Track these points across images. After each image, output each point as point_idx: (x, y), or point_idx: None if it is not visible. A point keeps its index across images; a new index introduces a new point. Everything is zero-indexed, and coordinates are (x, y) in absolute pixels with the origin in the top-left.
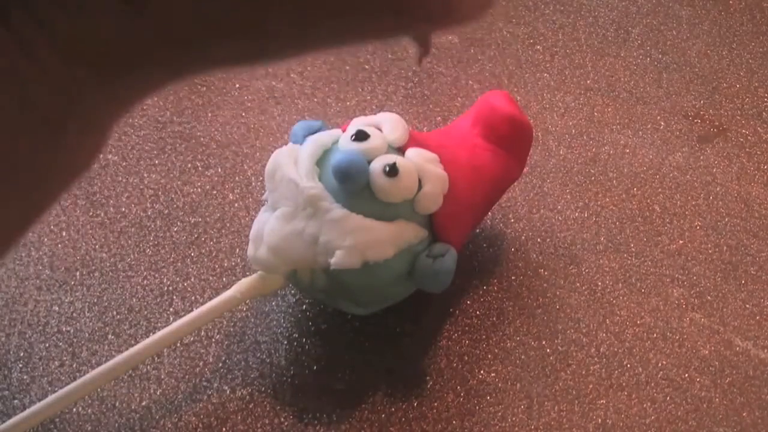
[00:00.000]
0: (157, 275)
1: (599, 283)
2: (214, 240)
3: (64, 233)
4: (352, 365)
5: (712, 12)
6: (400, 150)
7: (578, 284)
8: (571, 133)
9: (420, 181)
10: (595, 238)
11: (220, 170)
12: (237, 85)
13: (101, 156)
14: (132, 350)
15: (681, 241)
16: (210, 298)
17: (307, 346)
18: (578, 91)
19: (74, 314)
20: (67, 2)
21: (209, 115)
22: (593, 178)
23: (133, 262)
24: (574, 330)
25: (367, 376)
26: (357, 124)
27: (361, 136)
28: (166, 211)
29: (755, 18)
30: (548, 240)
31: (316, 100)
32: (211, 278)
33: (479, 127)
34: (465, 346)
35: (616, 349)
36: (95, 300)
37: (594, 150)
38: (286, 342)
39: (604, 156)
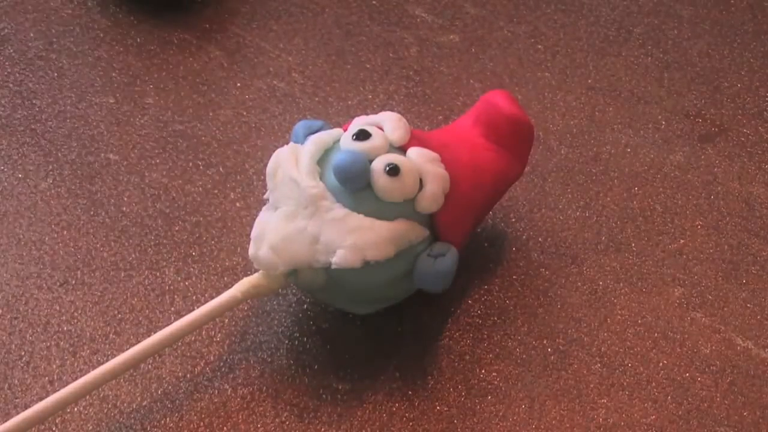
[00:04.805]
0: (158, 274)
1: (600, 283)
2: (216, 239)
3: (65, 232)
4: (353, 365)
5: (713, 11)
6: (402, 149)
7: (579, 283)
8: (573, 132)
9: (421, 180)
10: (596, 238)
11: (221, 169)
12: (238, 84)
13: (102, 155)
14: (133, 350)
15: (682, 241)
16: (211, 298)
17: (308, 346)
18: (579, 91)
19: (75, 313)
20: None
21: (210, 114)
22: (594, 177)
23: (134, 261)
24: (576, 329)
25: (368, 375)
26: (358, 123)
27: (362, 135)
28: (167, 210)
29: (756, 17)
30: (549, 239)
31: (317, 99)
32: (212, 277)
33: (480, 126)
34: (466, 345)
35: (617, 349)
36: (96, 299)
37: (595, 149)
38: (287, 341)
39: (606, 155)
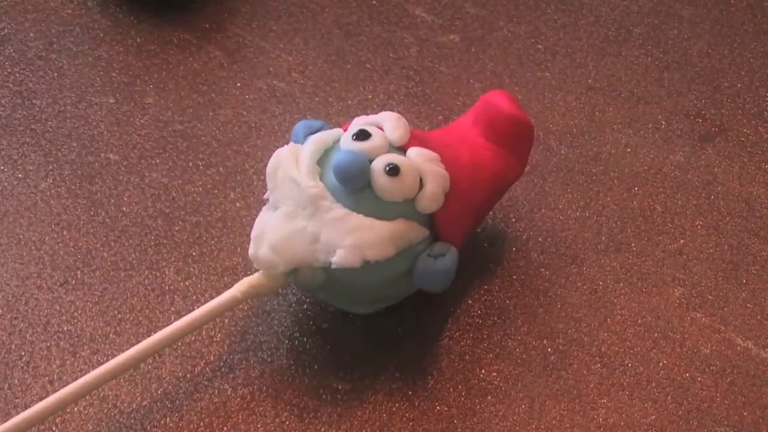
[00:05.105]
0: (158, 274)
1: (600, 283)
2: (216, 239)
3: (65, 232)
4: (353, 365)
5: (713, 11)
6: (402, 149)
7: (579, 283)
8: (573, 132)
9: (421, 180)
10: (596, 238)
11: (221, 169)
12: (238, 84)
13: (102, 155)
14: (133, 349)
15: (682, 241)
16: (211, 298)
17: (308, 346)
18: (579, 91)
19: (75, 313)
20: None
21: (210, 114)
22: (594, 177)
23: (134, 261)
24: (576, 329)
25: (368, 375)
26: (358, 123)
27: (362, 135)
28: (167, 210)
29: (756, 17)
30: (549, 239)
31: (317, 99)
32: (212, 277)
33: (480, 126)
34: (466, 345)
35: (617, 349)
36: (96, 299)
37: (595, 149)
38: (287, 341)
39: (606, 155)
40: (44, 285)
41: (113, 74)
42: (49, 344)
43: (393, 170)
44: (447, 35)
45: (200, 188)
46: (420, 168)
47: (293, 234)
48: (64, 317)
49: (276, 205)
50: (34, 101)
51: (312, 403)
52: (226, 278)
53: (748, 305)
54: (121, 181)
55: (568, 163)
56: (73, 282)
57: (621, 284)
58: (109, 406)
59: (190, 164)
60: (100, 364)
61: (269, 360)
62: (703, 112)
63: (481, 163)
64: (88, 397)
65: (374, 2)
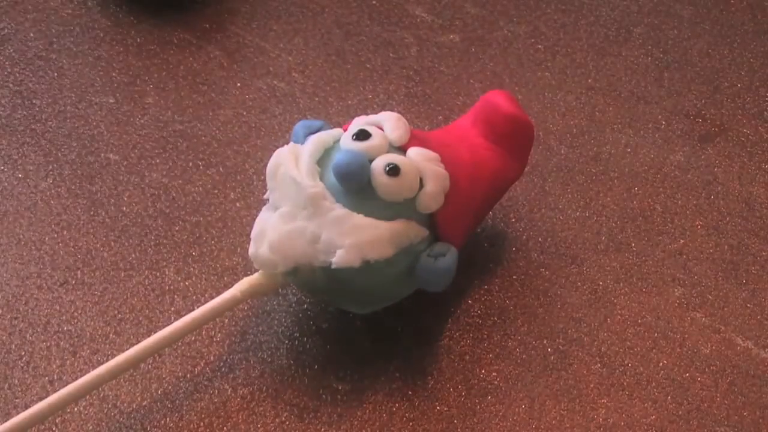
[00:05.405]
0: (158, 274)
1: (600, 283)
2: (216, 239)
3: (65, 232)
4: (353, 365)
5: (713, 11)
6: (402, 149)
7: (579, 283)
8: (573, 132)
9: (421, 180)
10: (596, 238)
11: (221, 169)
12: (238, 84)
13: (102, 155)
14: (133, 349)
15: (682, 241)
16: (211, 298)
17: (308, 346)
18: (579, 90)
19: (75, 313)
20: None
21: (210, 114)
22: (594, 177)
23: (134, 261)
24: (575, 329)
25: (368, 375)
26: (358, 123)
27: (362, 135)
28: (167, 210)
29: (756, 17)
30: (549, 239)
31: (317, 99)
32: (212, 277)
33: (480, 126)
34: (466, 345)
35: (617, 349)
36: (96, 299)
37: (595, 149)
38: (287, 341)
39: (606, 155)
40: (44, 285)
41: (113, 74)
42: (49, 344)
43: (393, 170)
44: (447, 35)
45: (200, 188)
46: (420, 168)
47: (293, 234)
48: (64, 317)
49: (276, 205)
50: (34, 101)
51: (312, 403)
52: (226, 278)
53: (748, 305)
54: (121, 181)
55: (568, 163)
56: (73, 282)
57: (621, 284)
58: (109, 406)
59: (190, 164)
60: (100, 364)
61: (269, 360)
62: (703, 112)
63: (481, 162)
64: (88, 397)
65: (374, 2)
